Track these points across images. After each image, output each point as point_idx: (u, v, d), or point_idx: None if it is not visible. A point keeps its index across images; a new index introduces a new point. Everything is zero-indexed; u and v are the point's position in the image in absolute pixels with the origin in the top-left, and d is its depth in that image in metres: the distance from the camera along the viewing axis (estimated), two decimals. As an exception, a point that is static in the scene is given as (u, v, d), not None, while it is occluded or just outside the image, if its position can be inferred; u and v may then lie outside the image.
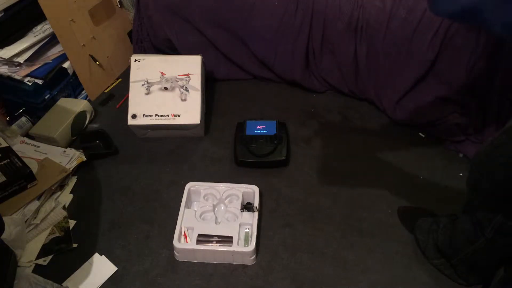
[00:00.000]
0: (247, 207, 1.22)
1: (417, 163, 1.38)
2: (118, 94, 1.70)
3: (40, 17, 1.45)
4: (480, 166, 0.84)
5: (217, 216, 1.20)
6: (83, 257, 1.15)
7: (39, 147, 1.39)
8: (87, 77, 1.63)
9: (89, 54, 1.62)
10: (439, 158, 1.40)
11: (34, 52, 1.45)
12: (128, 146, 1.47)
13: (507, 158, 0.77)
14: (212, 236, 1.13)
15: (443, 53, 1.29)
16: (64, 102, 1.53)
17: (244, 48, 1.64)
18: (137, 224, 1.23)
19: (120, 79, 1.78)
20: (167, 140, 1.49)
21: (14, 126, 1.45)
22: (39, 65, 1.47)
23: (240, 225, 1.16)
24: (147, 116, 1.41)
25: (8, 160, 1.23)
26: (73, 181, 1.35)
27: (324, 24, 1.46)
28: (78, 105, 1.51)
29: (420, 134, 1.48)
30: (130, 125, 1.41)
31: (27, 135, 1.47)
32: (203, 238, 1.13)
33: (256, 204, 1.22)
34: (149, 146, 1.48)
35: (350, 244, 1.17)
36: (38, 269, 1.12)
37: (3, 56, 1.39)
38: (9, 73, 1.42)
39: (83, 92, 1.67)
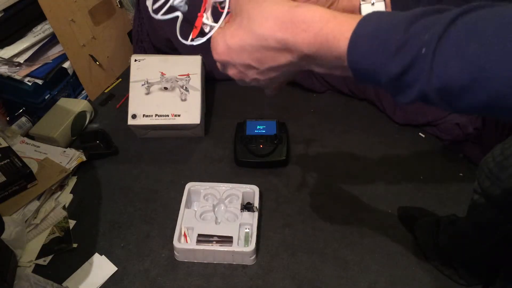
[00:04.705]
0: (247, 207, 1.22)
1: (417, 163, 1.38)
2: (118, 94, 1.69)
3: (40, 17, 1.45)
4: (490, 175, 0.82)
5: (217, 216, 1.20)
6: (83, 257, 1.15)
7: (39, 147, 1.39)
8: (87, 77, 1.63)
9: (89, 54, 1.62)
10: (439, 158, 1.40)
11: (34, 52, 1.45)
12: (128, 146, 1.47)
13: None
14: (212, 236, 1.13)
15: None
16: (64, 102, 1.53)
17: (244, 48, 1.64)
18: (137, 224, 1.23)
19: (120, 79, 1.78)
20: (167, 140, 1.49)
21: (14, 126, 1.45)
22: (39, 65, 1.46)
23: (240, 225, 1.16)
24: (147, 116, 1.40)
25: (8, 160, 1.24)
26: (73, 181, 1.35)
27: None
28: (78, 105, 1.51)
29: (420, 134, 1.48)
30: (130, 125, 1.41)
31: (27, 135, 1.47)
32: (203, 238, 1.13)
33: (256, 204, 1.21)
34: (149, 146, 1.48)
35: (350, 244, 1.17)
36: (38, 269, 1.12)
37: (3, 56, 1.39)
38: (9, 73, 1.42)
39: (83, 92, 1.66)
